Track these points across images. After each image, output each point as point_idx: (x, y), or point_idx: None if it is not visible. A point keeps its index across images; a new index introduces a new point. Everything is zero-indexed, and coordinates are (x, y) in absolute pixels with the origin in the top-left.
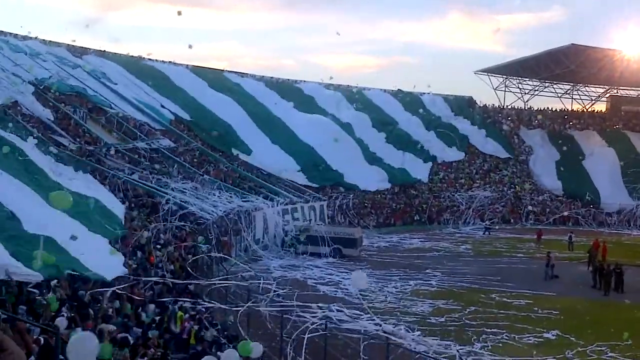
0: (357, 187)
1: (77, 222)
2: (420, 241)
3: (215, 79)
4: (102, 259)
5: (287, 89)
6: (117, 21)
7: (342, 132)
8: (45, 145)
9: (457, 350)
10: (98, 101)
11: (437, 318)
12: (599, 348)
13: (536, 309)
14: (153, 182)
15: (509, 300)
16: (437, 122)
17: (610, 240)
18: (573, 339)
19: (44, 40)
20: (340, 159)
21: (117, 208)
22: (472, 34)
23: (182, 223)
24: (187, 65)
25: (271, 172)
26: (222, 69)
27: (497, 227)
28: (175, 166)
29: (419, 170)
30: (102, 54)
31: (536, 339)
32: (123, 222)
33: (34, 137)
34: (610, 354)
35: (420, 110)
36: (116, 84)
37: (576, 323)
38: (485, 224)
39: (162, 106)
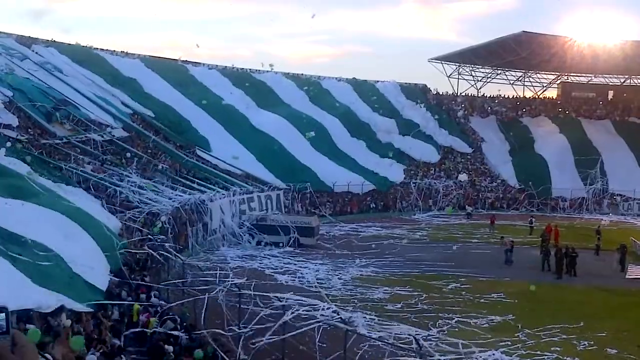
0: (330, 189)
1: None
2: (377, 229)
3: (170, 69)
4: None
5: (243, 79)
6: (66, 11)
7: (305, 124)
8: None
9: (413, 336)
10: (50, 94)
11: (394, 304)
12: (551, 330)
13: (490, 293)
14: (107, 174)
15: (464, 286)
16: (391, 110)
17: (562, 225)
18: (525, 322)
19: None
20: (309, 156)
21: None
22: (425, 23)
23: (137, 213)
24: (138, 55)
25: (232, 165)
26: (176, 58)
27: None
28: (129, 154)
29: (393, 173)
30: (51, 43)
31: (490, 323)
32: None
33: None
34: (563, 336)
35: (375, 98)
36: (67, 75)
37: (529, 306)
38: (467, 210)
39: (123, 103)
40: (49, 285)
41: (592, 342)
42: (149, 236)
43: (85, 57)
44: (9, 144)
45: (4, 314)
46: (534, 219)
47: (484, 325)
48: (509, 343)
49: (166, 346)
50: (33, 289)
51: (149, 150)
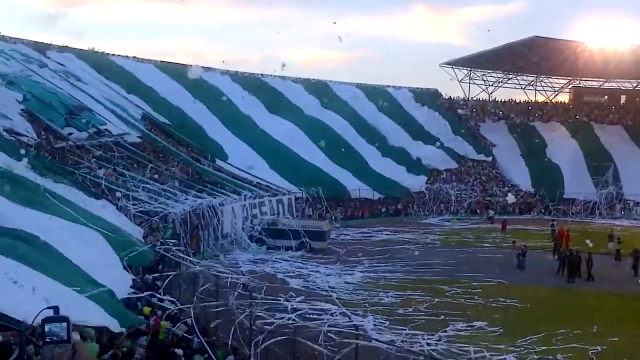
0: (342, 194)
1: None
2: (388, 234)
3: (182, 74)
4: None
5: (254, 84)
6: (79, 16)
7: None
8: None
9: (425, 340)
10: (67, 102)
11: (405, 308)
12: (563, 335)
13: (502, 298)
14: (119, 178)
15: (475, 290)
16: (402, 115)
17: (575, 230)
18: (537, 326)
19: (3, 36)
20: (320, 160)
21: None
22: (436, 27)
23: (149, 218)
24: (151, 60)
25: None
26: (188, 64)
27: (495, 215)
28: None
29: (405, 179)
30: (65, 49)
31: (502, 327)
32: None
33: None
34: (575, 341)
35: (386, 103)
36: (81, 81)
37: (541, 311)
38: (489, 214)
39: (137, 108)
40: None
41: (604, 347)
42: (161, 240)
43: (98, 62)
44: (22, 150)
45: (65, 323)
46: (555, 223)
47: (496, 330)
48: (521, 348)
49: (176, 350)
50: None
51: (162, 155)
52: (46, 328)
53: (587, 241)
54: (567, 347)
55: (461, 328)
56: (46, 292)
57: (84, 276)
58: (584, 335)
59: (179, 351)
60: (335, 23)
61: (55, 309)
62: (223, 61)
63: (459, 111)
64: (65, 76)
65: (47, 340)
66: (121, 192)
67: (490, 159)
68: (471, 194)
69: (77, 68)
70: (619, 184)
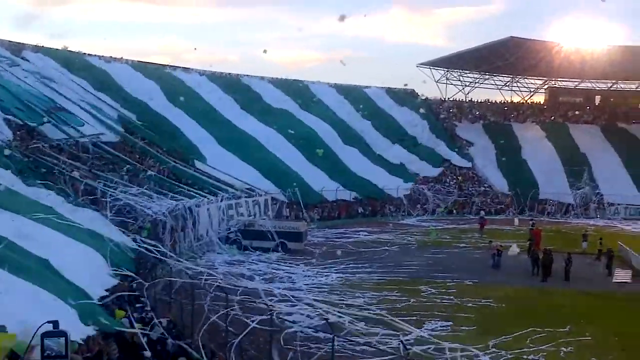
0: (318, 195)
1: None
2: (365, 234)
3: (158, 75)
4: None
5: (232, 85)
6: (54, 16)
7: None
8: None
9: (401, 340)
10: (42, 102)
11: (381, 309)
12: (537, 335)
13: (477, 297)
14: (95, 179)
15: (451, 290)
16: (381, 116)
17: (549, 229)
18: (511, 326)
19: None
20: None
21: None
22: (415, 28)
23: (125, 219)
24: (128, 60)
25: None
26: (165, 64)
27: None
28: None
29: (385, 180)
30: (39, 49)
31: (477, 327)
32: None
33: None
34: (549, 341)
35: (363, 104)
36: (56, 82)
37: (516, 310)
38: (480, 215)
39: (112, 109)
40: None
41: (577, 347)
42: (138, 242)
43: (74, 62)
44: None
45: (63, 339)
46: (534, 222)
47: (471, 329)
48: (495, 348)
49: (145, 352)
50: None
51: (137, 156)
52: (45, 342)
53: (584, 244)
54: (541, 347)
55: (436, 328)
56: (17, 293)
57: (58, 277)
58: (557, 334)
59: (147, 353)
60: (265, 51)
61: (55, 323)
62: (195, 49)
63: (436, 111)
64: (40, 76)
65: (45, 355)
66: (97, 193)
67: (470, 164)
68: (448, 194)
69: (52, 68)
70: (593, 184)
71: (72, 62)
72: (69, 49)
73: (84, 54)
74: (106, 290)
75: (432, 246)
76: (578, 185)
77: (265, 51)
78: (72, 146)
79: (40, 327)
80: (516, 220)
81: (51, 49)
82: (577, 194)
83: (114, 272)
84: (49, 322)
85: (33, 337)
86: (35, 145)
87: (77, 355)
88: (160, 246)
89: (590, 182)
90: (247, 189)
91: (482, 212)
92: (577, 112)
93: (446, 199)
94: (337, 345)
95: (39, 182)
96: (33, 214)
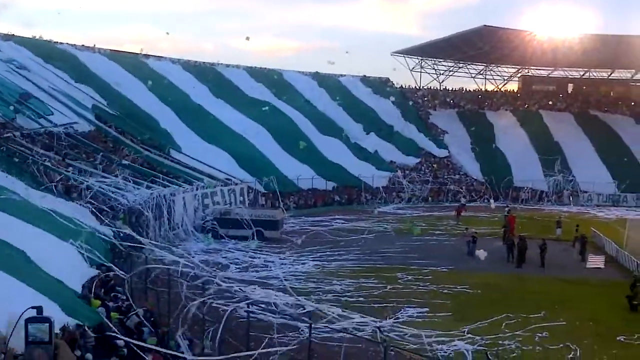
0: (294, 184)
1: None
2: (342, 222)
3: (132, 64)
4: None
5: (206, 73)
6: (27, 4)
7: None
8: None
9: (377, 327)
10: (14, 90)
11: (358, 296)
12: (512, 320)
13: (453, 284)
14: (69, 168)
15: (427, 277)
16: (356, 104)
17: (523, 216)
18: (487, 312)
19: None
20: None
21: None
22: (389, 17)
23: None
24: (100, 49)
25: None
26: (138, 52)
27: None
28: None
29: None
30: (11, 37)
31: (453, 313)
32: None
33: None
34: (524, 326)
35: (338, 92)
36: (29, 70)
37: (491, 297)
38: (461, 202)
39: (87, 97)
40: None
41: (552, 332)
42: (113, 231)
43: (47, 51)
44: None
45: (47, 324)
46: (509, 209)
47: (447, 316)
48: (471, 333)
49: (117, 341)
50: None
51: (111, 145)
52: (29, 328)
53: (558, 231)
54: (516, 333)
55: (412, 314)
56: None
57: (34, 267)
58: (532, 320)
59: (120, 342)
60: (248, 38)
61: (39, 309)
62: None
63: (411, 99)
64: (11, 65)
65: (29, 340)
66: (71, 182)
67: (446, 153)
68: (423, 182)
69: (24, 56)
70: (567, 171)
71: (44, 50)
72: (41, 38)
73: (57, 42)
74: (83, 278)
75: (408, 234)
76: (551, 173)
77: (247, 38)
78: (45, 135)
79: (23, 312)
80: (493, 204)
81: (23, 38)
82: (550, 181)
83: (90, 261)
84: (32, 307)
85: (17, 322)
86: (6, 135)
87: (61, 341)
88: (136, 235)
89: (563, 169)
90: (225, 178)
91: (464, 200)
92: (550, 101)
93: (422, 187)
94: (314, 332)
95: (12, 171)
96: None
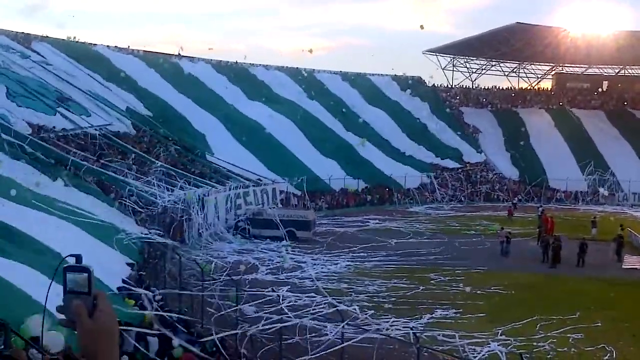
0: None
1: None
2: (375, 222)
3: (165, 64)
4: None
5: (238, 73)
6: (60, 6)
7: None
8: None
9: (410, 327)
10: (51, 92)
11: (391, 297)
12: (546, 322)
13: (487, 285)
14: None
15: (460, 277)
16: (387, 103)
17: (558, 216)
18: (521, 313)
19: None
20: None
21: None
22: (420, 15)
23: (135, 209)
24: (134, 50)
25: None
26: (171, 53)
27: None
28: (133, 156)
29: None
30: (46, 39)
31: (487, 314)
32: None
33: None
34: (559, 327)
35: (369, 91)
36: (64, 71)
37: (525, 297)
38: (513, 201)
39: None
40: None
41: (587, 333)
42: (147, 232)
43: (81, 53)
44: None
45: (86, 274)
46: (542, 209)
47: (480, 317)
48: (505, 335)
49: (148, 337)
50: None
51: (145, 146)
52: (68, 276)
53: (593, 230)
54: (550, 334)
55: (446, 315)
56: (28, 281)
57: None
58: (566, 321)
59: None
60: (422, 27)
61: (78, 257)
62: (210, 49)
63: (443, 98)
64: (47, 67)
65: (68, 290)
66: (106, 183)
67: (479, 153)
68: (456, 181)
69: (59, 58)
70: (602, 170)
71: (79, 52)
72: (76, 39)
73: (90, 44)
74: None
75: (441, 234)
76: (588, 172)
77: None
78: (82, 137)
79: (62, 260)
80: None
81: (58, 39)
82: (585, 180)
83: (124, 261)
84: (71, 255)
85: (56, 271)
86: (44, 136)
87: (101, 292)
88: (169, 236)
89: (598, 168)
90: (257, 179)
91: (516, 199)
92: (585, 99)
93: (455, 187)
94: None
95: (49, 172)
96: (42, 203)
